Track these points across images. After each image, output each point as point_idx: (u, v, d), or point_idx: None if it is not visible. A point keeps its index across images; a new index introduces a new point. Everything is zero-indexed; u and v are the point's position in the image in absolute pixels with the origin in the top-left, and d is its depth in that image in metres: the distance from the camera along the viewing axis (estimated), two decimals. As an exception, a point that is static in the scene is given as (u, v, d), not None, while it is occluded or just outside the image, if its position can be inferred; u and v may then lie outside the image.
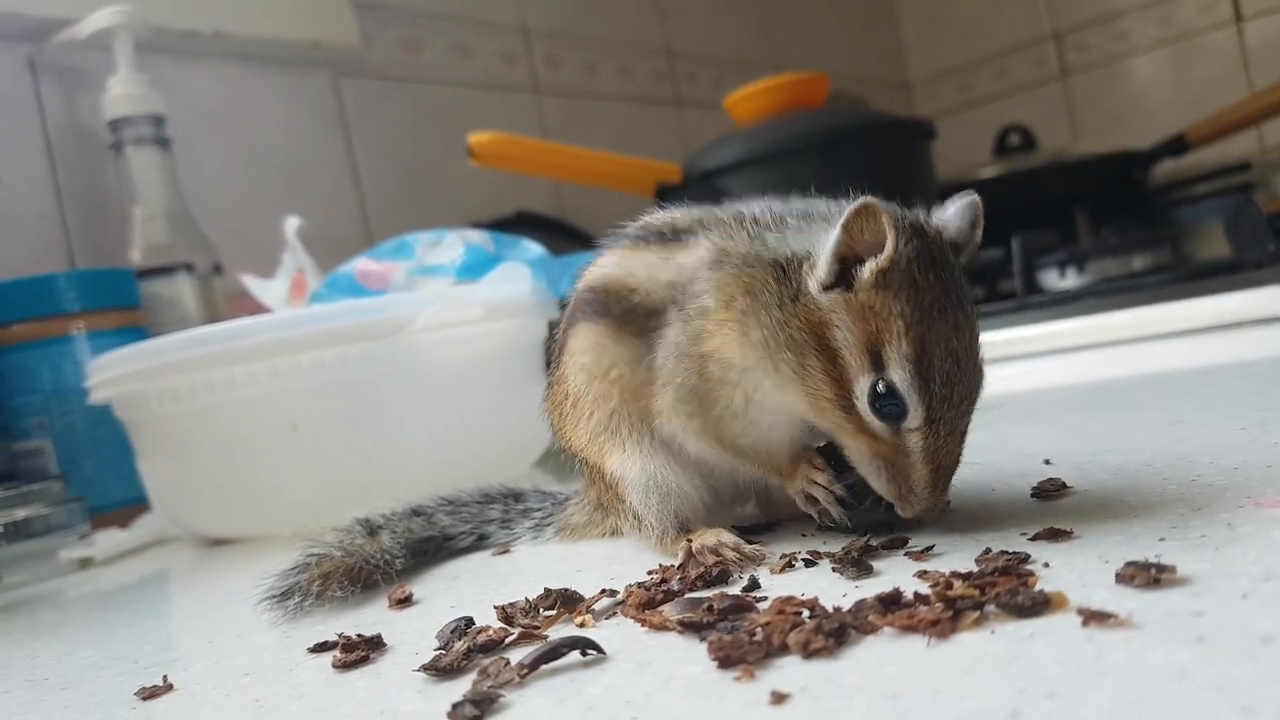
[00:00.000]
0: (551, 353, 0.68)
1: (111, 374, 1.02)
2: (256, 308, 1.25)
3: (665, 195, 1.63)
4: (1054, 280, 1.43)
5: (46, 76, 1.44)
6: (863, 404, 0.52)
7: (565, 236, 1.99)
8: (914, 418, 0.51)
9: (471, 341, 1.03)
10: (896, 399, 0.51)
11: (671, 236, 0.61)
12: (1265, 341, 1.06)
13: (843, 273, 0.53)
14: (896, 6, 3.11)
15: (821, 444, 0.59)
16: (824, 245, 0.53)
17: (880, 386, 0.51)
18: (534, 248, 1.15)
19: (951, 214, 0.57)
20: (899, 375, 0.51)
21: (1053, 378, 1.12)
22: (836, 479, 0.56)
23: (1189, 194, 2.05)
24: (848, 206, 0.52)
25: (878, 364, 0.51)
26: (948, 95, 2.98)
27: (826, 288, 0.53)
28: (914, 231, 0.53)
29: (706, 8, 2.54)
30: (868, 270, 0.52)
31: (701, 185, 1.61)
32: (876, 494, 0.54)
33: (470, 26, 2.01)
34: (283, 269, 1.24)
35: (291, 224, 1.25)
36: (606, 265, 0.63)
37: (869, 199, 0.51)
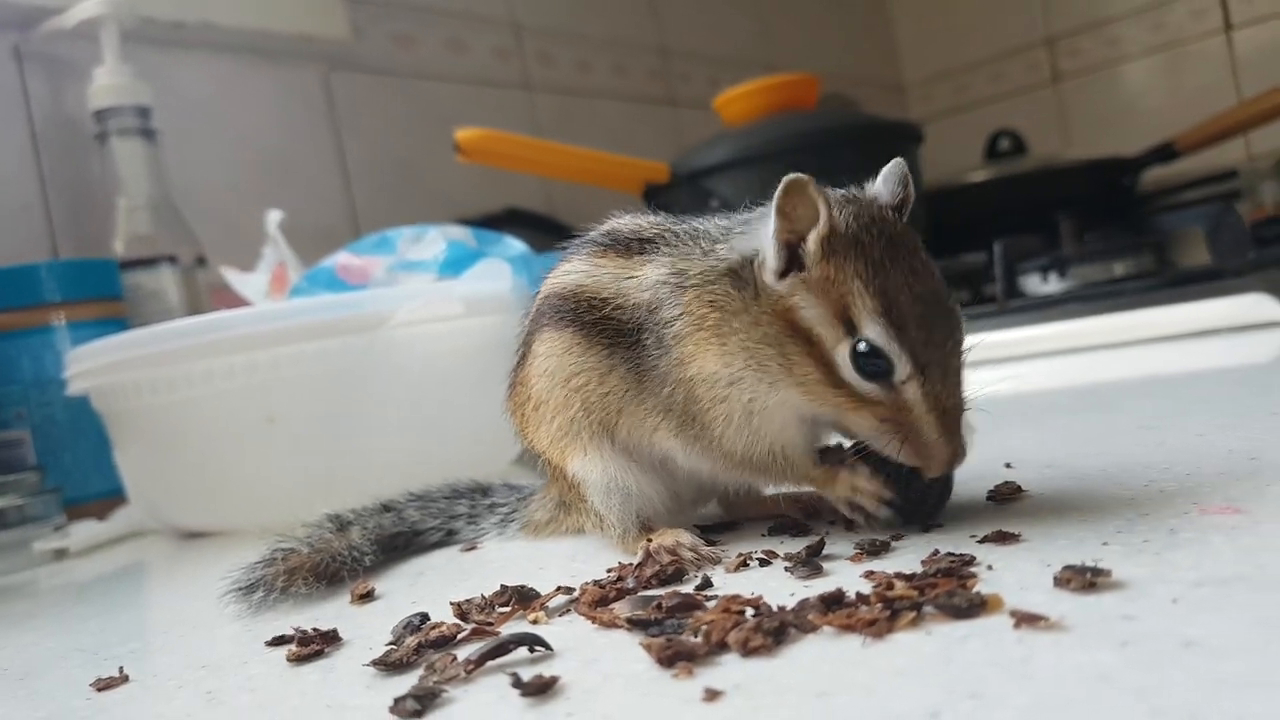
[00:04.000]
0: (515, 352, 0.68)
1: (89, 365, 1.02)
2: (240, 301, 1.26)
3: (653, 194, 1.63)
4: (1036, 285, 1.44)
5: (32, 65, 1.44)
6: (849, 372, 0.52)
7: (555, 233, 1.99)
8: (901, 368, 0.51)
9: (451, 337, 1.04)
10: (879, 355, 0.51)
11: (635, 247, 0.61)
12: (1242, 348, 1.07)
13: (791, 256, 0.54)
14: (892, 9, 3.12)
15: (830, 445, 0.59)
16: (765, 236, 0.54)
17: (861, 347, 0.52)
18: (516, 244, 1.15)
19: (879, 183, 0.58)
20: (873, 330, 0.51)
21: (1030, 382, 1.13)
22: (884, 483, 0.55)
23: (1176, 201, 2.05)
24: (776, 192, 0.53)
25: (850, 328, 0.52)
26: (941, 98, 2.99)
27: (780, 275, 0.54)
28: (846, 199, 0.55)
29: (701, 7, 2.54)
30: (811, 242, 0.53)
31: (689, 185, 1.61)
32: (925, 485, 0.53)
33: (463, 22, 2.01)
34: (263, 262, 1.24)
35: (273, 217, 1.25)
36: (574, 272, 0.63)
37: (791, 175, 0.52)
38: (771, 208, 0.53)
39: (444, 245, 1.12)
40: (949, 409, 0.52)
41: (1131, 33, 2.63)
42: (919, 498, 0.54)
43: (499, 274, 1.08)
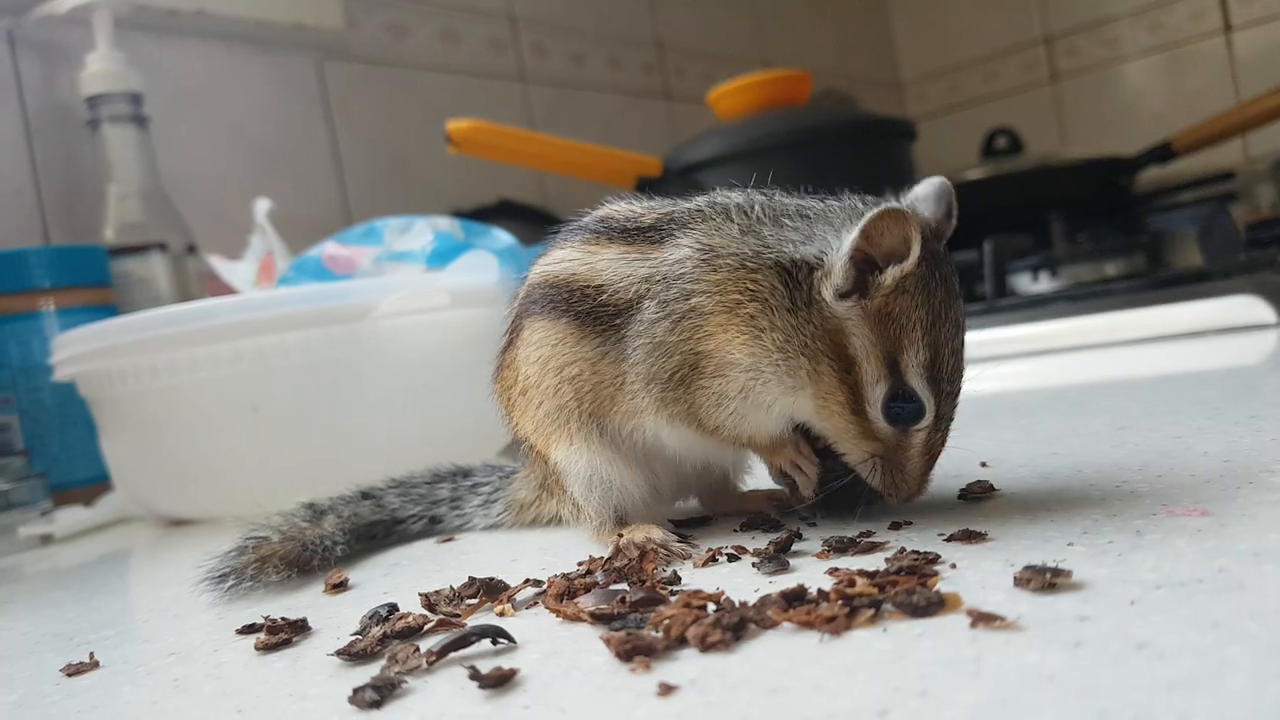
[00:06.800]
0: (503, 334, 0.68)
1: (74, 351, 1.02)
2: (230, 289, 1.25)
3: (645, 188, 1.63)
4: (1027, 284, 1.44)
5: (25, 51, 1.44)
6: (875, 410, 0.53)
7: (548, 225, 1.98)
8: (925, 421, 0.53)
9: (436, 329, 1.03)
10: (912, 404, 0.52)
11: (639, 232, 0.59)
12: (1228, 350, 1.07)
13: (858, 278, 0.52)
14: (889, 6, 3.11)
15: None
16: (838, 251, 0.52)
17: (900, 394, 0.52)
18: (504, 236, 1.15)
19: (925, 201, 0.56)
20: (918, 383, 0.52)
21: (1016, 381, 1.13)
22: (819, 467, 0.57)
23: (1172, 202, 2.05)
24: (866, 211, 0.51)
25: (895, 371, 0.52)
26: (938, 96, 2.98)
27: (842, 295, 0.52)
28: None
29: (698, 1, 2.53)
30: (889, 277, 0.51)
31: (681, 179, 1.61)
32: (842, 476, 0.55)
33: (458, 13, 2.01)
34: (251, 251, 1.24)
35: (261, 206, 1.25)
36: (566, 260, 0.61)
37: (892, 204, 0.51)
38: (856, 228, 0.51)
39: (431, 236, 1.12)
40: (935, 454, 0.54)
41: (1130, 33, 2.62)
42: (847, 493, 0.56)
43: (486, 266, 1.08)
